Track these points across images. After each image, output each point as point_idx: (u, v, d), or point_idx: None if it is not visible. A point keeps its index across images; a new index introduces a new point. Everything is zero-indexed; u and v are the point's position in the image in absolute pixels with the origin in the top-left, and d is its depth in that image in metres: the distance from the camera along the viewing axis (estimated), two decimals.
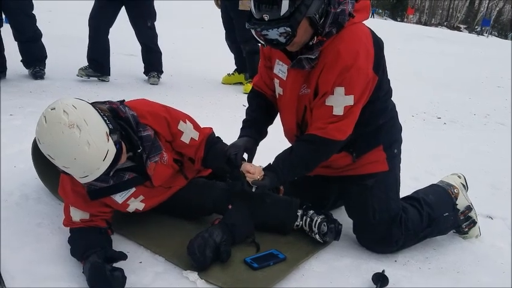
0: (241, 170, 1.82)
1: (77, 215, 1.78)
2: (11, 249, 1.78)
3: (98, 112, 1.60)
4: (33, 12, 4.08)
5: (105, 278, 1.56)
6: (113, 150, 1.60)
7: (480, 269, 1.96)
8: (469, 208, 2.12)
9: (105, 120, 1.60)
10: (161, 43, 4.56)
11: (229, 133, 2.13)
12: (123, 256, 1.67)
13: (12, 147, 2.68)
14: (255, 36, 1.69)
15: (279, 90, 1.91)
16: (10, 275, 1.63)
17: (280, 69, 1.86)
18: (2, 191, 2.18)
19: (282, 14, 1.57)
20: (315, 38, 1.68)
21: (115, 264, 1.65)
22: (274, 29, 1.60)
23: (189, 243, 1.74)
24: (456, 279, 1.88)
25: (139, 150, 1.74)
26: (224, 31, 4.75)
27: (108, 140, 1.58)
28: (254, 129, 1.98)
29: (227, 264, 1.77)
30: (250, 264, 1.78)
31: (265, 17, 1.58)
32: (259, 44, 1.74)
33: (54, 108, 1.51)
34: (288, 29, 1.59)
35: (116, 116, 1.71)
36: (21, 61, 4.23)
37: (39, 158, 2.16)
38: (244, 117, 2.03)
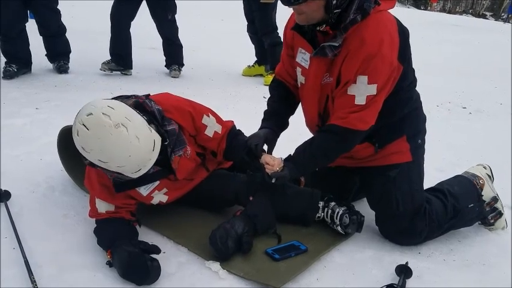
0: (260, 162, 1.83)
1: (102, 206, 1.81)
2: (38, 240, 1.82)
3: (131, 107, 1.63)
4: (57, 7, 4.15)
5: (145, 268, 1.59)
6: (158, 139, 1.65)
7: (506, 261, 1.92)
8: (495, 199, 2.08)
9: (139, 113, 1.64)
10: (181, 36, 4.57)
11: (249, 125, 2.13)
12: (157, 250, 1.67)
13: (39, 140, 2.75)
14: None
15: (301, 79, 1.89)
16: (37, 264, 1.67)
17: (303, 57, 1.83)
18: (30, 183, 2.24)
19: None
20: (324, 25, 1.64)
21: None
22: None
23: (211, 233, 1.76)
24: (482, 271, 1.85)
25: (165, 143, 1.75)
26: (245, 23, 4.73)
27: (151, 130, 1.63)
28: (275, 120, 1.97)
29: (249, 255, 1.78)
30: (271, 255, 1.79)
31: None
32: (281, 35, 1.72)
33: (91, 114, 1.50)
34: None
35: (142, 110, 1.72)
36: (45, 55, 4.31)
37: (65, 151, 2.21)
38: (266, 108, 2.02)
